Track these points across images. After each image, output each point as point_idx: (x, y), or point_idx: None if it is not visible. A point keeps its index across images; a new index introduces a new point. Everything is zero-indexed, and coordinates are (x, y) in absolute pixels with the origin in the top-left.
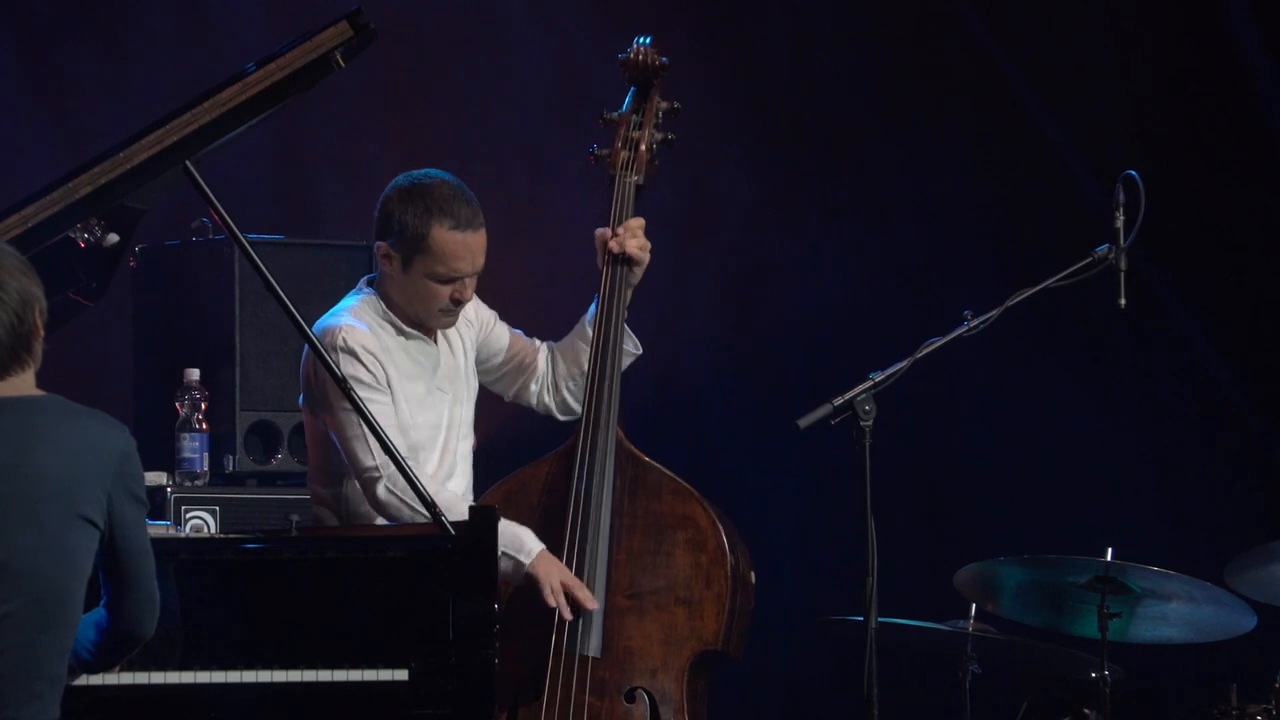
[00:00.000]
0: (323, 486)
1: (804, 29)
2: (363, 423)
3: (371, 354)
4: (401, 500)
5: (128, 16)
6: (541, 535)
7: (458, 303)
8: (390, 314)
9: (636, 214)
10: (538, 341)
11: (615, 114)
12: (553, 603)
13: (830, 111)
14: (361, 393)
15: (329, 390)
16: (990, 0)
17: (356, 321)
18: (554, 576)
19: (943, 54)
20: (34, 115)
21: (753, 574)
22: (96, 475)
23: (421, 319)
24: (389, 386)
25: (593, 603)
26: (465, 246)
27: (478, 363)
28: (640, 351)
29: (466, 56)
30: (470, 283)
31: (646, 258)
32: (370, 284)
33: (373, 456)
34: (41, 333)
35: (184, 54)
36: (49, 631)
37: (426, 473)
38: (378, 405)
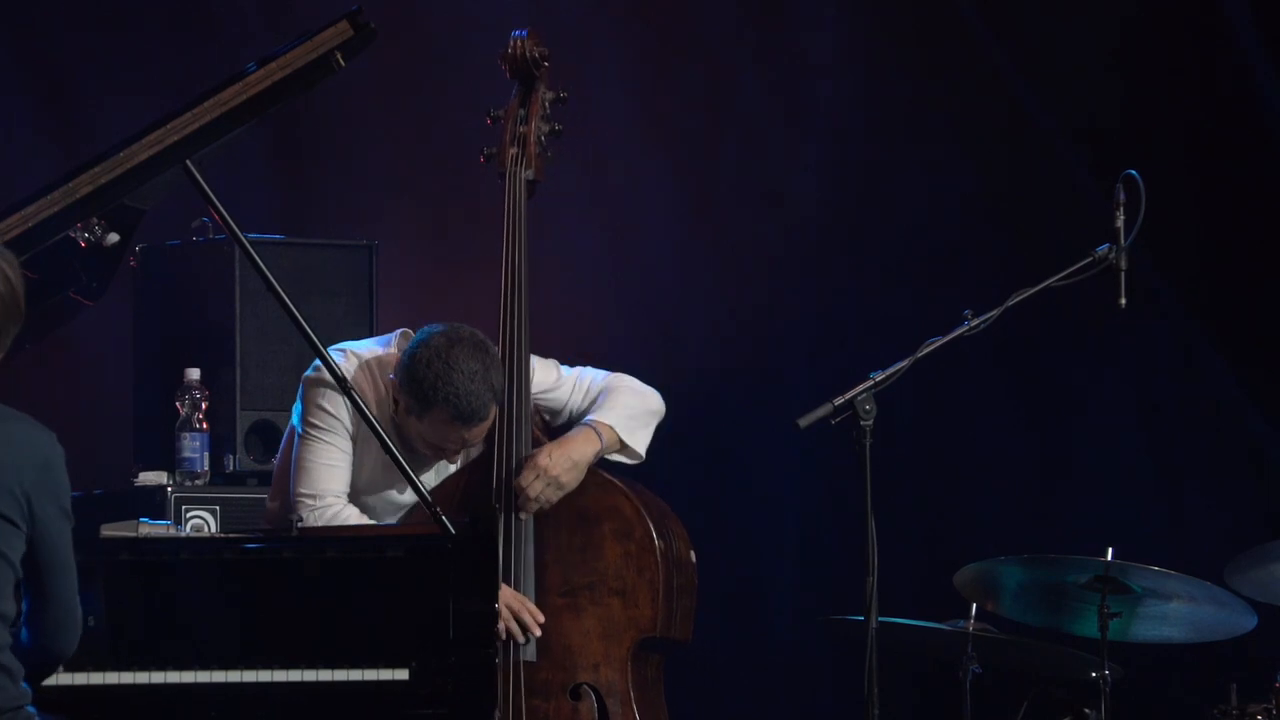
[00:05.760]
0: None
1: (804, 28)
2: (321, 454)
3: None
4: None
5: (128, 16)
6: None
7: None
8: None
9: (529, 209)
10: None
11: (501, 111)
12: (505, 627)
13: (831, 110)
14: (321, 428)
15: (309, 405)
16: (990, 0)
17: (362, 370)
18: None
19: (943, 54)
20: (34, 115)
21: (693, 553)
22: (14, 471)
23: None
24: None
25: (540, 621)
26: (457, 434)
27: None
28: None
29: (468, 55)
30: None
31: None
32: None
33: (313, 486)
34: None
35: (185, 53)
36: None
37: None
38: (331, 446)
